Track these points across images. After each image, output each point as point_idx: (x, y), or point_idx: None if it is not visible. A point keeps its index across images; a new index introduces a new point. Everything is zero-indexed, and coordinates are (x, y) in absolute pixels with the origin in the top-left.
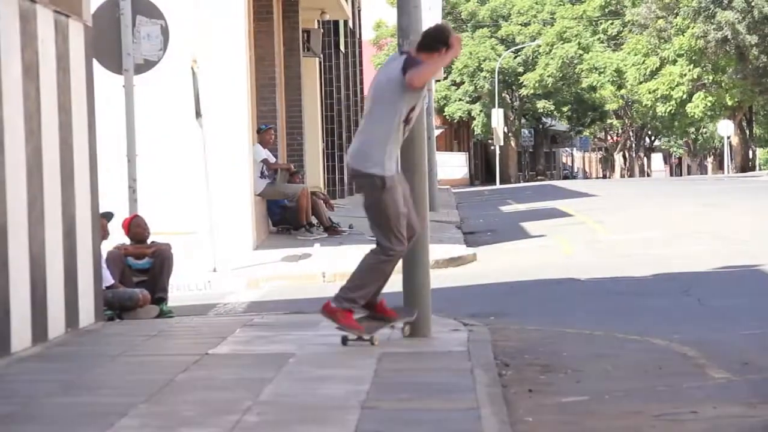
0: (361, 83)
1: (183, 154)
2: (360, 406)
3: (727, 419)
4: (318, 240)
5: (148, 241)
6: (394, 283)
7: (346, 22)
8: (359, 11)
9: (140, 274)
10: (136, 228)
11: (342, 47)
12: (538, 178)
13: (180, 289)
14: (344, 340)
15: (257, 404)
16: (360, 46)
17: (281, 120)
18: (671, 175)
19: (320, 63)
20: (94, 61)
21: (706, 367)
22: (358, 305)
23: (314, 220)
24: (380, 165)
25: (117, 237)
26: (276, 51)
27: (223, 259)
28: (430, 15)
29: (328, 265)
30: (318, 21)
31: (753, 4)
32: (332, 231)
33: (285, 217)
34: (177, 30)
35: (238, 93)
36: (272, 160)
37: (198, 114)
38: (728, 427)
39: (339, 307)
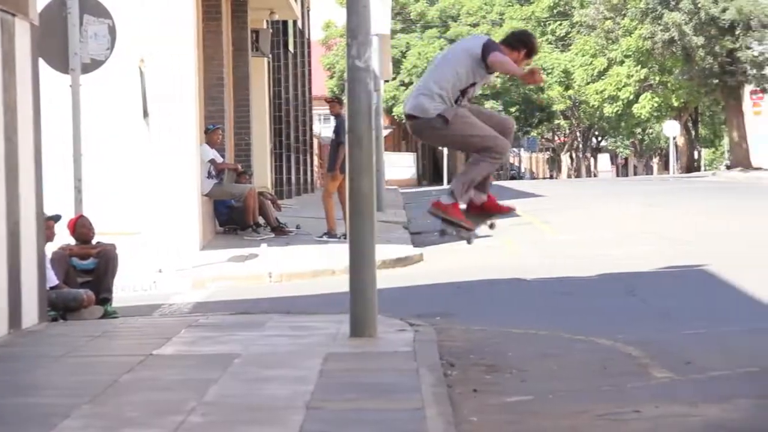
0: (310, 83)
1: (129, 154)
2: (305, 406)
3: (669, 418)
4: (265, 240)
5: (93, 242)
6: (341, 284)
7: (295, 22)
8: (308, 11)
9: (85, 275)
10: (81, 228)
11: (291, 47)
12: None
13: (125, 290)
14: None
15: (202, 405)
16: (309, 47)
17: (229, 120)
18: (618, 175)
19: (269, 63)
20: (40, 60)
21: (650, 367)
22: (463, 192)
23: (261, 221)
24: (434, 108)
25: (62, 237)
26: (225, 51)
27: (168, 260)
28: (381, 8)
29: (275, 266)
30: (267, 21)
31: (699, 5)
32: (279, 231)
33: (232, 218)
34: (124, 29)
35: (186, 93)
36: (220, 160)
37: (145, 113)
38: (670, 427)
39: (448, 201)
